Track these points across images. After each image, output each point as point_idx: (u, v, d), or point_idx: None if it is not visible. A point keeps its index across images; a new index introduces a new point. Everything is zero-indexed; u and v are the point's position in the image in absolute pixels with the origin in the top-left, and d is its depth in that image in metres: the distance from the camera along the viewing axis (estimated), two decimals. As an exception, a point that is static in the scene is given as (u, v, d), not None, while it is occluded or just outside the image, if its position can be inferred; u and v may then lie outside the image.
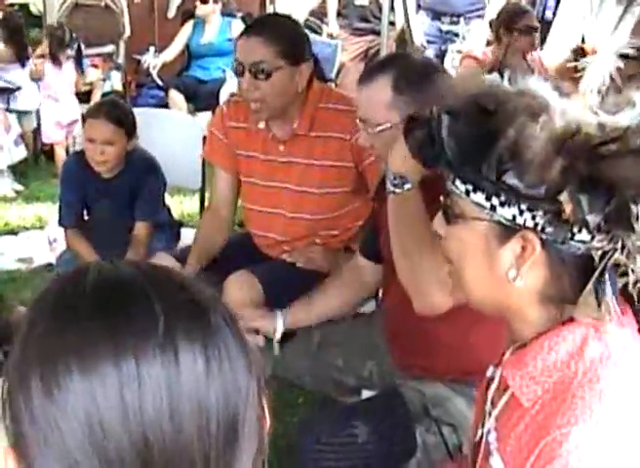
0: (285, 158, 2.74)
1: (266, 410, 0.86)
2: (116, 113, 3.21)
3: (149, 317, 0.79)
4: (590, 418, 1.11)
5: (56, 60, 5.95)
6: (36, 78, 5.97)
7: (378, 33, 5.96)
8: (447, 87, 1.34)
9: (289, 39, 2.62)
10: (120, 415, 0.76)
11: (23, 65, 6.08)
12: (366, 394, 2.38)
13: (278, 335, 2.39)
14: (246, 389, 0.82)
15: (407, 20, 6.02)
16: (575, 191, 1.13)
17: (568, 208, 1.13)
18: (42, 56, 6.01)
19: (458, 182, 1.24)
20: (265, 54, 2.56)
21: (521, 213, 1.17)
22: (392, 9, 5.91)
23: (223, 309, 0.85)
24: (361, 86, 2.14)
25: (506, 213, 1.18)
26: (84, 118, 3.27)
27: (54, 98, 5.94)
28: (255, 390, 0.83)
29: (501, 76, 1.26)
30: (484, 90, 1.24)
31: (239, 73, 2.61)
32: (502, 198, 1.18)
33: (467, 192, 1.22)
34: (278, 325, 2.39)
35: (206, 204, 3.64)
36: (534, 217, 1.17)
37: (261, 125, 2.74)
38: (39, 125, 6.09)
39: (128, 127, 3.21)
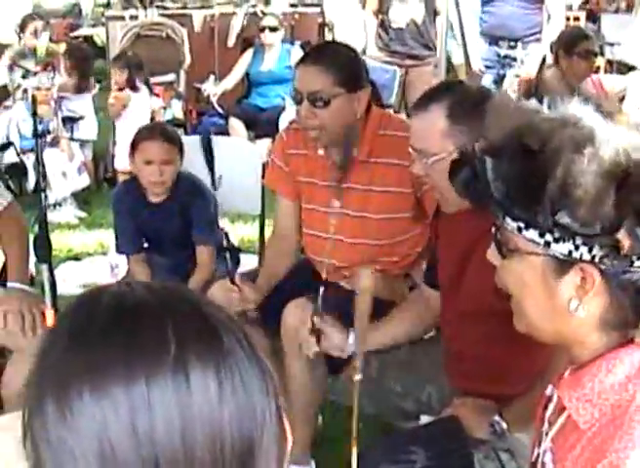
0: (345, 184, 2.76)
1: (287, 430, 0.85)
2: (169, 133, 3.25)
3: (161, 341, 0.78)
4: None
5: (134, 87, 6.04)
6: (121, 106, 6.02)
7: (414, 57, 6.02)
8: (486, 123, 1.32)
9: (346, 67, 2.65)
10: (132, 440, 0.76)
11: (84, 94, 6.23)
12: (424, 419, 2.37)
13: (350, 348, 2.38)
14: (262, 411, 0.81)
15: (464, 45, 6.02)
16: (632, 226, 1.12)
17: (626, 243, 1.12)
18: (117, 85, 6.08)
19: (508, 220, 1.23)
20: (323, 82, 2.58)
21: (577, 248, 1.16)
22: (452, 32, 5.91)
23: (238, 331, 0.84)
24: (415, 115, 2.14)
25: (562, 248, 1.17)
26: (135, 143, 3.23)
27: (133, 125, 5.99)
28: (273, 411, 0.82)
29: (540, 101, 1.24)
30: (524, 124, 1.21)
31: (298, 101, 2.65)
32: (557, 234, 1.17)
33: (519, 229, 1.21)
34: (350, 339, 2.39)
35: (266, 229, 3.68)
36: (590, 250, 1.15)
37: (321, 151, 2.77)
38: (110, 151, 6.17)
39: (180, 146, 3.23)
